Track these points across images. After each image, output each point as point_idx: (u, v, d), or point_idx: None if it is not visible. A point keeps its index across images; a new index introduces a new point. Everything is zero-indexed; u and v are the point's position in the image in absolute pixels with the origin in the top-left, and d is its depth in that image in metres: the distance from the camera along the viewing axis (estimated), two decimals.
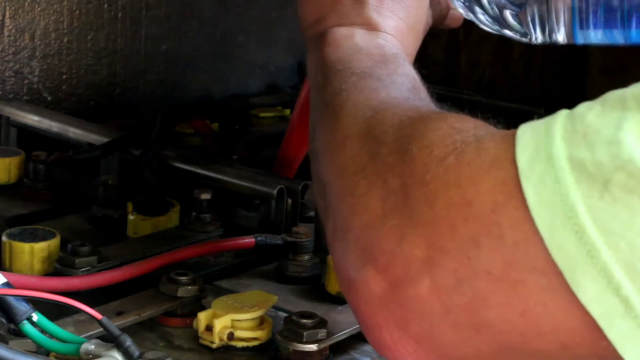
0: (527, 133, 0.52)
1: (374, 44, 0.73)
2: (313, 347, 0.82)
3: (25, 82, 1.39)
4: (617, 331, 0.49)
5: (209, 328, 0.84)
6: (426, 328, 0.54)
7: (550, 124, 0.51)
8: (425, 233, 0.53)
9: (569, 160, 0.49)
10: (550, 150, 0.50)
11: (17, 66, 1.38)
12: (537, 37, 0.76)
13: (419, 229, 0.53)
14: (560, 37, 0.74)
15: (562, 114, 0.52)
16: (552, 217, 0.49)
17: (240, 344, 0.84)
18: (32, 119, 1.28)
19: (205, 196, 1.06)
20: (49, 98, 1.42)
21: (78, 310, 0.74)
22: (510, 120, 0.60)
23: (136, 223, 1.05)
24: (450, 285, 0.52)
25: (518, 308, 0.51)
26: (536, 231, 0.49)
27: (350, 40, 0.73)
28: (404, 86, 0.67)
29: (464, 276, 0.52)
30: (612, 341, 0.49)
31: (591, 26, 0.69)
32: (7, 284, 0.74)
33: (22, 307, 0.73)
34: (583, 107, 0.51)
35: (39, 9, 1.38)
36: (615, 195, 0.47)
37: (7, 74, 1.37)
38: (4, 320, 0.74)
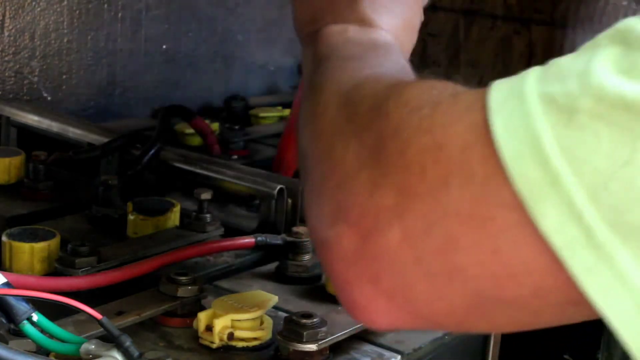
0: (503, 83, 0.51)
1: (367, 38, 0.73)
2: (313, 347, 0.82)
3: (25, 82, 1.39)
4: (579, 263, 0.47)
5: (209, 328, 0.84)
6: (398, 282, 0.53)
7: (526, 72, 0.51)
8: (395, 181, 0.52)
9: (540, 95, 0.48)
10: (522, 89, 0.49)
11: (17, 66, 1.38)
12: None
13: (390, 178, 0.52)
14: None
15: (537, 67, 0.52)
16: (518, 148, 0.48)
17: (240, 344, 0.84)
18: (32, 119, 1.28)
19: (205, 196, 1.06)
20: (49, 98, 1.42)
21: (78, 310, 0.74)
22: None
23: (136, 223, 1.05)
24: (420, 231, 0.51)
25: (489, 247, 0.50)
26: (503, 165, 0.49)
27: (343, 35, 0.73)
28: (392, 68, 0.66)
29: (434, 219, 0.51)
30: (574, 275, 0.47)
31: None
32: (7, 284, 0.74)
33: (22, 307, 0.73)
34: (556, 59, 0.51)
35: (39, 9, 1.38)
36: (582, 121, 0.47)
37: (7, 74, 1.37)
38: (4, 320, 0.74)
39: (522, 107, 0.48)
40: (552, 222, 0.47)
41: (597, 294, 0.47)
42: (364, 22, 0.74)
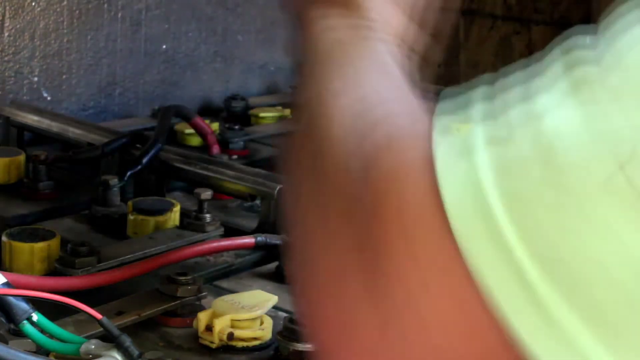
0: (447, 126, 0.49)
1: (348, 25, 0.66)
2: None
3: (25, 82, 1.39)
4: (508, 305, 0.45)
5: (209, 328, 0.84)
6: None
7: (471, 103, 0.49)
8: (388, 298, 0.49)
9: (489, 158, 0.46)
10: (470, 143, 0.47)
11: (17, 66, 1.38)
12: None
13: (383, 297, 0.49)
14: None
15: (484, 90, 0.50)
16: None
17: (240, 344, 0.84)
18: (32, 119, 1.28)
19: (205, 196, 1.06)
20: (49, 98, 1.42)
21: (78, 310, 0.74)
22: None
23: (136, 223, 1.05)
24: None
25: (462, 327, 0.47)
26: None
27: (330, 31, 0.66)
28: (367, 81, 0.61)
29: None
30: (506, 316, 0.45)
31: None
32: (7, 284, 0.74)
33: (22, 307, 0.73)
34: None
35: (39, 9, 1.38)
36: (526, 173, 0.45)
37: (7, 74, 1.37)
38: (4, 320, 0.74)
39: (470, 174, 0.46)
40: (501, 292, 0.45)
41: (527, 337, 0.45)
42: (348, 5, 0.67)
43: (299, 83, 0.65)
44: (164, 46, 1.56)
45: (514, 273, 0.44)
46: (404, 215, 0.48)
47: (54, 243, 0.96)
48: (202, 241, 1.02)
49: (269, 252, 1.03)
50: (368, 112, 0.55)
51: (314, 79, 0.62)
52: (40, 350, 0.75)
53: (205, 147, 1.31)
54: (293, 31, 0.70)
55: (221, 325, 0.83)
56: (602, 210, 0.43)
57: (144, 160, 1.15)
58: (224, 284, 0.98)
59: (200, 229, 1.05)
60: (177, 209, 1.07)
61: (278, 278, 0.99)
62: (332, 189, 0.52)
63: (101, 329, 0.74)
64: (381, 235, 0.48)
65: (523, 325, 0.44)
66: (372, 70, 0.62)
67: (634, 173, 0.43)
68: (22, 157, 1.19)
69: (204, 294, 0.89)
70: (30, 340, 0.74)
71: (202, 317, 0.85)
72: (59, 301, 0.73)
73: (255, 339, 0.85)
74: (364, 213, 0.49)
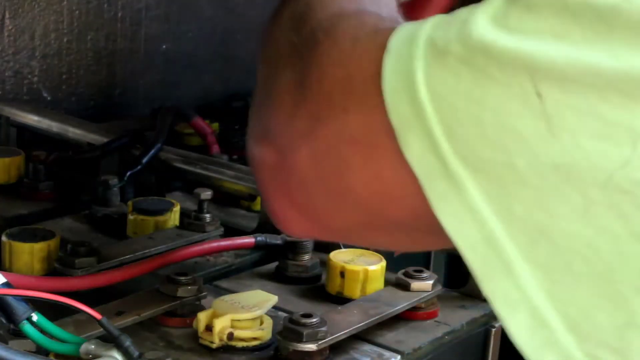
0: (408, 25, 0.56)
1: None
2: (313, 346, 0.82)
3: (25, 82, 1.39)
4: (434, 191, 0.52)
5: (209, 328, 0.84)
6: (305, 198, 0.60)
7: (431, 18, 0.56)
8: (310, 107, 0.58)
9: (426, 39, 0.53)
10: (416, 33, 0.54)
11: (17, 66, 1.38)
12: None
13: (307, 104, 0.59)
14: None
15: (442, 14, 0.56)
16: (395, 85, 0.54)
17: (240, 344, 0.84)
18: (32, 119, 1.28)
19: (205, 196, 1.06)
20: (49, 98, 1.42)
21: (78, 310, 0.74)
22: None
23: (136, 223, 1.05)
24: (322, 153, 0.57)
25: (373, 171, 0.55)
26: (384, 99, 0.54)
27: None
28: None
29: (333, 143, 0.57)
30: (430, 202, 0.52)
31: None
32: (7, 284, 0.74)
33: (22, 307, 0.73)
34: None
35: (39, 9, 1.38)
36: (449, 63, 0.51)
37: (7, 74, 1.37)
38: (3, 320, 0.74)
39: (409, 49, 0.54)
40: (415, 152, 0.52)
41: (448, 222, 0.52)
42: None
43: None
44: (164, 46, 1.56)
45: (423, 130, 0.52)
46: (351, 61, 0.57)
47: (54, 243, 0.96)
48: (202, 241, 1.02)
49: (269, 252, 1.03)
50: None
51: None
52: (40, 350, 0.75)
53: (205, 147, 1.31)
54: None
55: (221, 325, 0.83)
56: (494, 91, 0.51)
57: (144, 160, 1.15)
58: (224, 284, 0.98)
59: (200, 229, 1.05)
60: (177, 209, 1.07)
61: (278, 278, 0.99)
62: (298, 36, 0.63)
63: (101, 329, 0.74)
64: (321, 71, 0.58)
65: (433, 192, 0.52)
66: None
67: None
68: (22, 157, 1.19)
69: (204, 294, 0.89)
70: (30, 340, 0.74)
71: (202, 317, 0.85)
72: (58, 301, 0.73)
73: (255, 339, 0.85)
74: (313, 49, 0.60)
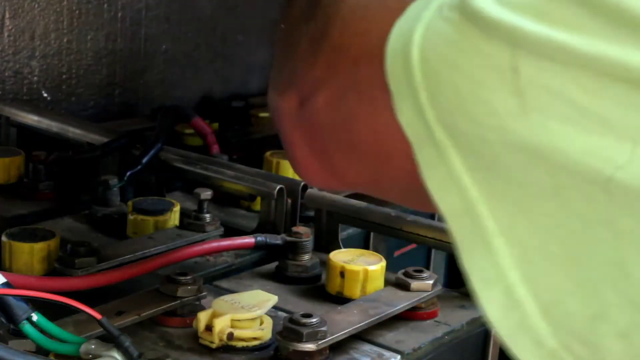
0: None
1: None
2: (313, 346, 0.82)
3: (25, 82, 1.39)
4: (423, 157, 0.52)
5: (209, 328, 0.84)
6: (322, 145, 0.61)
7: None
8: (329, 57, 0.60)
9: (439, 4, 0.53)
10: (426, 5, 0.54)
11: (17, 66, 1.38)
12: None
13: (326, 53, 0.61)
14: None
15: None
16: (395, 45, 0.54)
17: (240, 344, 0.84)
18: (32, 119, 1.28)
19: (205, 196, 1.06)
20: (49, 98, 1.42)
21: (78, 310, 0.74)
22: None
23: (136, 223, 1.05)
24: (335, 100, 0.59)
25: (375, 124, 0.56)
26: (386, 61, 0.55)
27: None
28: None
29: (344, 92, 0.58)
30: (420, 167, 0.52)
31: None
32: (7, 284, 0.74)
33: (21, 307, 0.73)
34: None
35: (39, 9, 1.38)
36: (443, 30, 0.52)
37: (7, 74, 1.37)
38: (3, 320, 0.74)
39: (418, 12, 0.54)
40: (406, 115, 0.53)
41: (434, 189, 0.52)
42: None
43: None
44: (164, 46, 1.56)
45: (415, 106, 0.52)
46: (374, 17, 0.58)
47: (54, 243, 0.96)
48: (202, 241, 1.02)
49: (269, 252, 1.03)
50: None
51: None
52: (40, 350, 0.75)
53: (205, 147, 1.31)
54: None
55: (221, 325, 0.83)
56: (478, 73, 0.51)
57: (144, 160, 1.15)
58: (224, 284, 0.98)
59: (200, 229, 1.05)
60: (177, 209, 1.07)
61: (278, 278, 0.99)
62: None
63: (101, 329, 0.74)
64: (337, 30, 0.60)
65: (422, 157, 0.52)
66: None
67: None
68: (22, 157, 1.19)
69: (204, 294, 0.89)
70: (30, 340, 0.74)
71: (202, 317, 0.85)
72: (58, 301, 0.73)
73: (255, 339, 0.85)
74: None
